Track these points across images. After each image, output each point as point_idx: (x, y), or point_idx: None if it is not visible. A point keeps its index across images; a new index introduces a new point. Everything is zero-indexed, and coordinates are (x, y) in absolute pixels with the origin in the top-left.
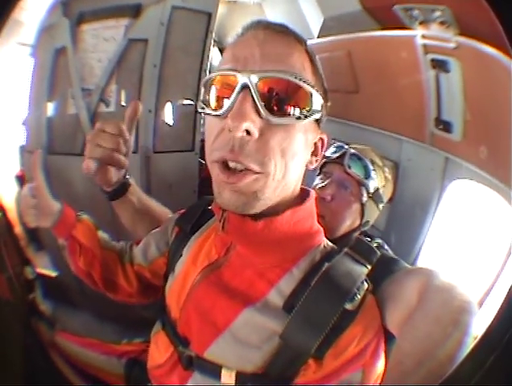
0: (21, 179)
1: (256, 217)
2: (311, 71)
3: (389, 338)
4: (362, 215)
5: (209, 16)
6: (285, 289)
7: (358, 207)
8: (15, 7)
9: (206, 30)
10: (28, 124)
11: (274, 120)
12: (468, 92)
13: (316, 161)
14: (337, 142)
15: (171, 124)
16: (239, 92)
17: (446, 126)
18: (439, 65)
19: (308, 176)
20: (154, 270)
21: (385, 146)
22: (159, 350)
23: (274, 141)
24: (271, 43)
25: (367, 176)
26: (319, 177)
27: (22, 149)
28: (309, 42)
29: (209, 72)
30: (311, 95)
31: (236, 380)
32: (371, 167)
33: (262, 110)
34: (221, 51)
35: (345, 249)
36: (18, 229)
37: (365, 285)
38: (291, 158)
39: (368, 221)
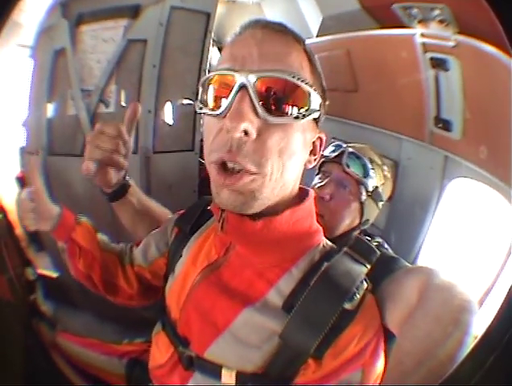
0: (21, 180)
1: (255, 217)
2: (309, 70)
3: (389, 337)
4: (362, 213)
5: (208, 16)
6: (284, 288)
7: (357, 205)
8: (14, 9)
9: (205, 30)
10: (28, 125)
11: (272, 119)
12: (467, 90)
13: (315, 160)
14: (336, 141)
15: (171, 124)
16: (237, 92)
17: (445, 125)
18: (439, 64)
19: (307, 175)
20: (155, 271)
21: (384, 145)
22: (160, 350)
23: (272, 141)
24: (269, 43)
25: (366, 175)
26: (318, 176)
27: (23, 150)
28: (308, 41)
29: (209, 72)
30: (310, 94)
31: (236, 380)
32: (370, 166)
33: (259, 110)
34: (220, 50)
35: (345, 249)
36: (18, 230)
37: (365, 285)
38: (288, 158)
39: (368, 220)
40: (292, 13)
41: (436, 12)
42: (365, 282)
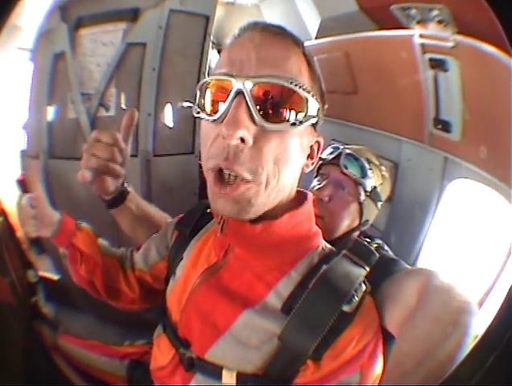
0: (22, 183)
1: (254, 220)
2: (307, 75)
3: (388, 338)
4: (361, 214)
5: (207, 19)
6: (283, 291)
7: (356, 206)
8: (13, 11)
9: (204, 32)
10: (28, 128)
11: (269, 126)
12: (466, 91)
13: (312, 164)
14: (334, 143)
15: (171, 127)
16: (233, 98)
17: (445, 126)
18: (438, 64)
19: (307, 179)
20: (156, 274)
21: (384, 147)
22: (161, 352)
23: (269, 148)
24: (268, 46)
25: (363, 175)
26: (316, 178)
27: (23, 153)
28: (307, 43)
29: (208, 75)
30: (307, 100)
31: (237, 381)
32: (367, 166)
33: (256, 117)
34: (220, 52)
35: (344, 251)
36: (19, 233)
37: (363, 287)
38: (285, 164)
39: (367, 220)
40: (291, 15)
41: (435, 12)
42: (363, 285)
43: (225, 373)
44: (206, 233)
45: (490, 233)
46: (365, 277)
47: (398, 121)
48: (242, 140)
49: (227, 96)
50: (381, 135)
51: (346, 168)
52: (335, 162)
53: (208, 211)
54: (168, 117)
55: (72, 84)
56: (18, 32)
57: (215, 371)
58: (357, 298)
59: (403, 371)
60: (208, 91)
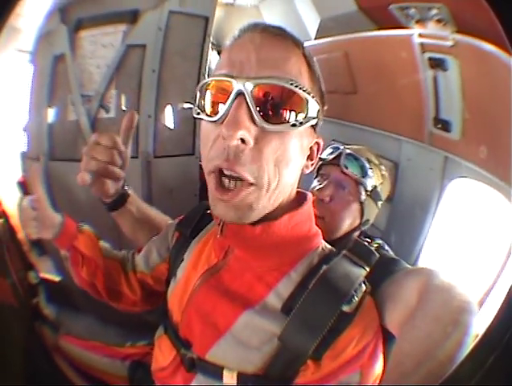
0: (22, 185)
1: (254, 222)
2: (308, 76)
3: (389, 338)
4: (362, 213)
5: (206, 20)
6: (283, 291)
7: (357, 206)
8: (12, 12)
9: (204, 34)
10: (29, 130)
11: (269, 127)
12: (466, 90)
13: (312, 165)
14: (334, 143)
15: (172, 128)
16: (234, 99)
17: (444, 125)
18: (437, 64)
19: (306, 179)
20: (157, 276)
21: (384, 147)
22: (163, 353)
23: (269, 149)
24: (268, 48)
25: (364, 175)
26: (316, 179)
27: (24, 155)
28: (306, 43)
29: (208, 76)
30: (307, 101)
31: (237, 381)
32: (368, 166)
33: (256, 118)
34: (220, 53)
35: (344, 252)
36: (20, 234)
37: (363, 287)
38: (285, 166)
39: (368, 220)
40: (290, 15)
41: (434, 12)
42: (363, 285)
43: (225, 373)
44: (206, 234)
45: (490, 232)
46: (366, 277)
47: (397, 120)
48: (243, 141)
49: (227, 97)
50: (381, 135)
51: (347, 168)
52: (335, 162)
53: (209, 212)
54: (168, 118)
55: (72, 86)
56: (17, 34)
57: (216, 372)
58: (356, 298)
59: (403, 371)
60: (208, 92)
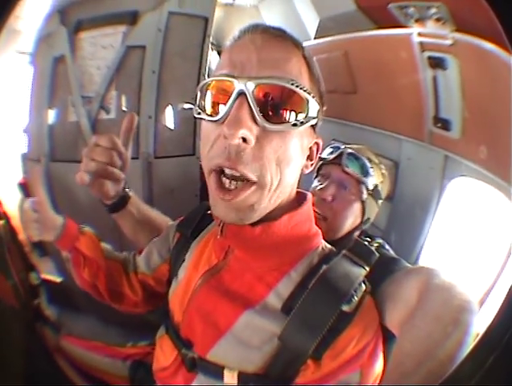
0: (23, 187)
1: (254, 223)
2: (307, 76)
3: (389, 337)
4: (363, 212)
5: (206, 21)
6: (283, 291)
7: (359, 205)
8: (12, 14)
9: (203, 34)
10: (29, 131)
11: (271, 127)
12: (466, 88)
13: (311, 165)
14: (334, 143)
15: (172, 129)
16: (235, 99)
17: (444, 124)
18: (437, 62)
19: (306, 179)
20: (158, 277)
21: (384, 146)
22: (164, 353)
23: (270, 149)
24: (268, 48)
25: (365, 174)
26: (316, 179)
27: (24, 156)
28: (306, 43)
29: (208, 76)
30: (308, 101)
31: (238, 381)
32: (369, 165)
33: (258, 117)
34: (220, 54)
35: (343, 251)
36: (21, 236)
37: (363, 287)
38: (286, 165)
39: (369, 218)
40: (290, 15)
41: (433, 10)
42: (363, 284)
43: (226, 373)
44: (207, 235)
45: (491, 231)
46: (366, 276)
47: (397, 119)
48: (244, 140)
49: (228, 97)
50: (382, 134)
51: (348, 167)
52: (336, 161)
53: (209, 212)
54: (169, 118)
55: (72, 87)
56: (17, 36)
57: (217, 372)
58: (356, 298)
59: (404, 370)
60: (209, 92)
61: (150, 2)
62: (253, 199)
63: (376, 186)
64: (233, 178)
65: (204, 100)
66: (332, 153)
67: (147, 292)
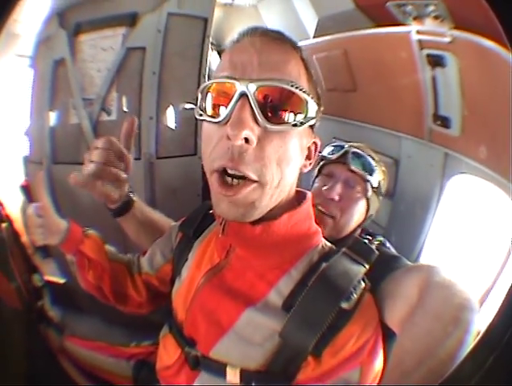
0: (25, 189)
1: (254, 222)
2: (306, 78)
3: (389, 335)
4: (367, 209)
5: (205, 21)
6: (284, 289)
7: (364, 202)
8: (9, 18)
9: (203, 35)
10: (31, 134)
11: (272, 127)
12: (465, 85)
13: (310, 164)
14: (335, 142)
15: (173, 129)
16: (237, 100)
17: (444, 122)
18: (435, 60)
19: (305, 179)
20: (161, 277)
21: (384, 144)
22: (168, 352)
23: (271, 149)
24: (268, 51)
25: (370, 172)
26: (319, 179)
27: (26, 159)
28: (306, 42)
29: (208, 76)
30: (307, 102)
31: (240, 378)
32: (373, 163)
33: (259, 118)
34: (220, 54)
35: (343, 249)
36: (24, 238)
37: (362, 284)
38: (286, 165)
39: (371, 215)
40: (289, 15)
41: (431, 8)
42: (362, 282)
43: (229, 370)
44: (209, 234)
45: (491, 229)
46: (366, 274)
47: (397, 117)
48: (246, 140)
49: (230, 99)
50: (381, 132)
51: (354, 166)
52: (341, 160)
53: (211, 212)
54: (170, 119)
55: (73, 89)
56: (16, 40)
57: (219, 369)
58: (355, 295)
59: (404, 369)
60: (210, 94)
61: (150, 3)
62: (254, 196)
63: (379, 182)
64: (234, 177)
65: (206, 102)
66: (334, 152)
67: (151, 292)
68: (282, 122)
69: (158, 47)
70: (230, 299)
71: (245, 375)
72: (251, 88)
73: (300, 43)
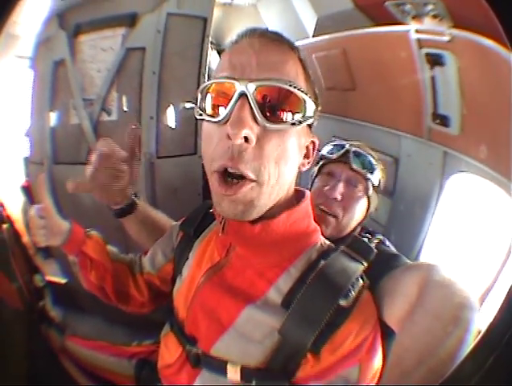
0: (26, 190)
1: (253, 220)
2: (303, 78)
3: (388, 333)
4: (368, 207)
5: (205, 21)
6: (283, 287)
7: (366, 201)
8: (9, 20)
9: (202, 34)
10: (31, 135)
11: (271, 126)
12: (464, 84)
13: (308, 163)
14: (334, 141)
15: (173, 128)
16: (237, 100)
17: (443, 120)
18: (434, 59)
19: (304, 178)
20: (163, 277)
21: (384, 142)
22: (169, 350)
23: (270, 147)
24: (266, 52)
25: (372, 170)
26: (319, 178)
27: (27, 160)
28: (305, 41)
29: (208, 76)
30: (305, 101)
31: (241, 375)
32: (374, 161)
33: (259, 117)
34: (219, 53)
35: (342, 247)
36: (25, 239)
37: (361, 282)
38: (285, 164)
39: (371, 212)
40: (288, 14)
41: (429, 7)
42: (361, 279)
43: (229, 368)
44: (209, 233)
45: (491, 227)
46: (365, 272)
47: (396, 116)
48: (246, 139)
49: (230, 99)
50: (381, 131)
51: (356, 165)
52: (343, 159)
53: (211, 211)
54: (170, 118)
55: (73, 90)
56: (16, 41)
57: (220, 367)
58: (353, 293)
59: (404, 369)
60: (210, 94)
61: (149, 3)
62: (252, 194)
63: (379, 181)
64: (234, 176)
65: (205, 102)
66: (334, 151)
67: (153, 292)
68: (280, 121)
69: (158, 47)
70: (230, 297)
71: (245, 372)
72: (250, 88)
73: (299, 42)
